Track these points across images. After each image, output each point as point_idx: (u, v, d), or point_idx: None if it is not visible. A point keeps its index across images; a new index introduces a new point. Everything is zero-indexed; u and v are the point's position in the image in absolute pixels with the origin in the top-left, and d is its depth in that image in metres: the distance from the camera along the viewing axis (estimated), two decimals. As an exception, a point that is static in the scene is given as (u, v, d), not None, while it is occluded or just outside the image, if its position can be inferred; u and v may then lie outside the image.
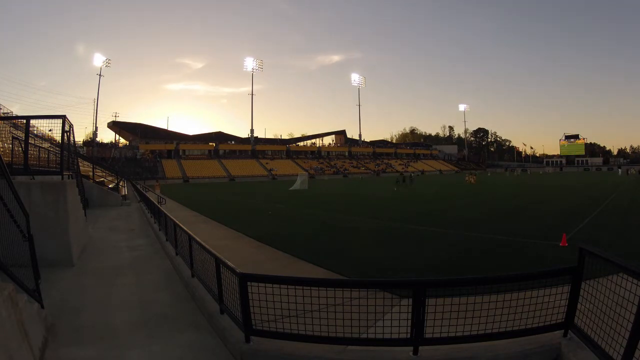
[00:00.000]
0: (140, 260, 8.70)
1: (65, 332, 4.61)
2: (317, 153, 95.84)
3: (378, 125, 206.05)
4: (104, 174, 29.89)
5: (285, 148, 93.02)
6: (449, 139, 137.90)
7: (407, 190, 33.15)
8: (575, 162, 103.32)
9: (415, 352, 3.57)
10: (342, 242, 10.66)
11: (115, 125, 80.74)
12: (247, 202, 25.64)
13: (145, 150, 76.18)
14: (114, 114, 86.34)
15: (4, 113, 32.16)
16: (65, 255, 7.87)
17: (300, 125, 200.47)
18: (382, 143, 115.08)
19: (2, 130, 8.35)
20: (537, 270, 4.92)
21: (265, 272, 4.61)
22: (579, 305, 3.57)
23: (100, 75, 77.06)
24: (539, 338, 3.68)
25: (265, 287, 3.72)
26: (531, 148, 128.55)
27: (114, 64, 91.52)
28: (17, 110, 65.38)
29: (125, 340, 4.43)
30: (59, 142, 8.81)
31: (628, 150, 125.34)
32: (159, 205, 12.79)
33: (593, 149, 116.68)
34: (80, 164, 17.89)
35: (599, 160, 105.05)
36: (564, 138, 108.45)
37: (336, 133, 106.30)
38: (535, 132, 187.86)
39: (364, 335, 3.67)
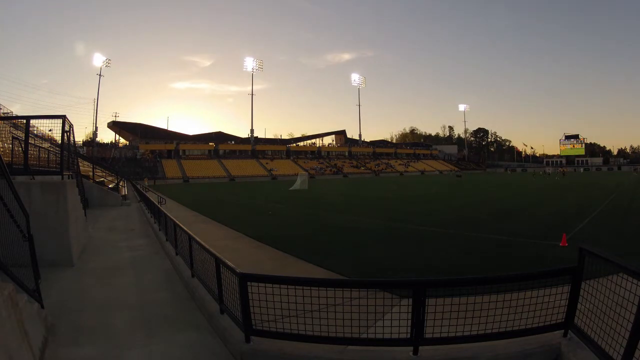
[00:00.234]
0: (140, 260, 8.70)
1: (65, 332, 4.62)
2: (317, 153, 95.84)
3: (378, 125, 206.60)
4: (104, 174, 29.90)
5: (285, 148, 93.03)
6: (449, 139, 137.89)
7: (408, 190, 33.13)
8: (575, 162, 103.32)
9: (415, 352, 3.57)
10: (342, 242, 10.66)
11: (115, 125, 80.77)
12: (247, 202, 25.64)
13: (145, 150, 76.19)
14: (114, 114, 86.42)
15: (4, 113, 32.16)
16: (65, 255, 7.87)
17: (300, 125, 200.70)
18: (382, 143, 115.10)
19: (2, 130, 8.34)
20: (537, 270, 4.91)
21: (265, 272, 4.60)
22: (579, 305, 3.57)
23: (100, 75, 77.17)
24: (539, 338, 3.69)
25: (265, 287, 3.72)
26: (531, 148, 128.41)
27: (114, 64, 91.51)
28: (17, 110, 65.44)
29: (125, 340, 4.43)
30: (59, 142, 8.81)
31: (628, 150, 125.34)
32: (159, 205, 12.79)
33: (593, 149, 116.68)
34: (80, 164, 17.90)
35: (599, 160, 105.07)
36: (564, 138, 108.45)
37: (336, 133, 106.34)
38: (535, 132, 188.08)
39: (364, 335, 3.67)
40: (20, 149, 7.88)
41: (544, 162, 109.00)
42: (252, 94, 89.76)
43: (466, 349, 3.60)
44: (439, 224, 13.26)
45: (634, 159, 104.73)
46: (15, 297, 3.56)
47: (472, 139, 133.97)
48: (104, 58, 78.40)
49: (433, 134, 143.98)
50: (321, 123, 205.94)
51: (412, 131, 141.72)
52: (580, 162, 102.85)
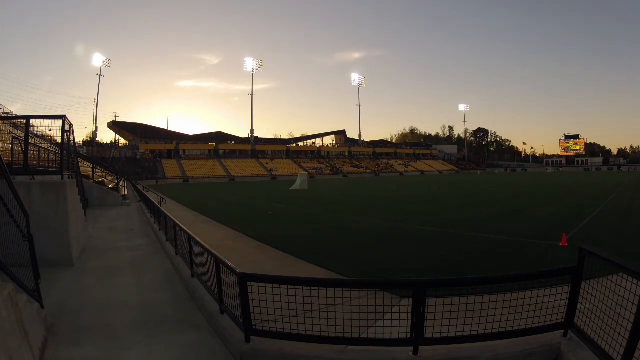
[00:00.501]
0: (140, 260, 8.70)
1: (65, 332, 4.61)
2: (317, 153, 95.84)
3: (378, 125, 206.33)
4: (104, 174, 29.89)
5: (285, 148, 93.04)
6: (449, 139, 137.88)
7: (407, 190, 33.14)
8: (575, 162, 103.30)
9: (415, 352, 3.57)
10: (342, 242, 10.66)
11: (115, 125, 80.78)
12: (247, 202, 25.64)
13: (145, 150, 76.19)
14: (114, 114, 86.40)
15: (4, 113, 32.15)
16: (65, 255, 7.87)
17: (300, 125, 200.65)
18: (382, 143, 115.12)
19: (2, 130, 8.34)
20: (537, 270, 4.92)
21: (265, 272, 4.60)
22: (579, 305, 3.57)
23: (100, 75, 77.18)
24: (539, 338, 3.69)
25: (265, 287, 3.72)
26: (531, 148, 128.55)
27: (114, 64, 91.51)
28: (17, 110, 65.44)
29: (125, 340, 4.43)
30: (59, 142, 8.81)
31: (628, 150, 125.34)
32: (159, 205, 12.79)
33: (593, 149, 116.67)
34: (80, 164, 17.89)
35: (599, 160, 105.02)
36: (564, 138, 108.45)
37: (336, 133, 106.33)
38: (535, 132, 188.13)
39: (364, 335, 3.67)
40: (20, 149, 7.87)
41: (544, 162, 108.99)
42: (252, 94, 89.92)
43: (466, 349, 3.60)
44: (438, 224, 13.26)
45: (634, 159, 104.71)
46: (15, 297, 3.56)
47: (472, 139, 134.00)
48: (104, 58, 78.52)
49: (433, 134, 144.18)
50: (321, 123, 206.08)
51: (412, 131, 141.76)
52: (580, 162, 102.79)
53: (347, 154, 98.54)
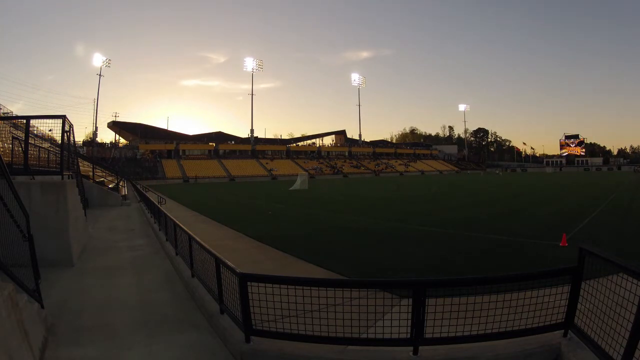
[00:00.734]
0: (140, 260, 8.70)
1: (65, 332, 4.62)
2: (317, 153, 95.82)
3: (378, 125, 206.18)
4: (104, 174, 29.88)
5: (285, 148, 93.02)
6: (449, 139, 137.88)
7: (407, 190, 33.15)
8: (575, 162, 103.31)
9: (415, 352, 3.57)
10: (342, 242, 10.66)
11: (115, 125, 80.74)
12: (247, 202, 25.64)
13: (145, 150, 76.17)
14: (114, 114, 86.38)
15: (4, 113, 32.16)
16: (65, 255, 7.87)
17: (300, 125, 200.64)
18: (382, 143, 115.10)
19: (2, 130, 8.35)
20: (537, 270, 4.91)
21: (265, 272, 4.61)
22: (579, 305, 3.57)
23: (100, 75, 77.18)
24: (539, 338, 3.69)
25: (265, 287, 3.72)
26: (531, 148, 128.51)
27: (114, 63, 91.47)
28: (17, 110, 65.44)
29: (125, 340, 4.43)
30: (59, 142, 8.81)
31: (628, 150, 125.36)
32: (159, 205, 12.79)
33: (593, 149, 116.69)
34: (80, 164, 17.89)
35: (599, 160, 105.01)
36: (564, 138, 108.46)
37: (336, 133, 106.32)
38: (535, 132, 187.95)
39: (364, 335, 3.67)
40: (20, 149, 7.88)
41: (544, 162, 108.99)
42: (252, 94, 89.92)
43: (466, 349, 3.60)
44: (438, 224, 13.26)
45: (634, 159, 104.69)
46: (15, 297, 3.55)
47: (472, 139, 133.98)
48: (104, 58, 78.48)
49: (433, 134, 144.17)
50: (321, 123, 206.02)
51: (412, 131, 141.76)
52: (580, 162, 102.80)
53: (347, 154, 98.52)
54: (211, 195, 33.01)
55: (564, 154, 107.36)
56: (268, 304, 3.65)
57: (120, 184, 27.28)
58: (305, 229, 13.02)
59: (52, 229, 7.57)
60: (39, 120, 8.72)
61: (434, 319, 3.48)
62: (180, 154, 79.11)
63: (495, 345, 3.60)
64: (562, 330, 3.73)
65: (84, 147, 68.86)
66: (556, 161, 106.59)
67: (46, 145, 9.40)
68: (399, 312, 3.56)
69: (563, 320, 3.68)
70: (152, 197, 19.13)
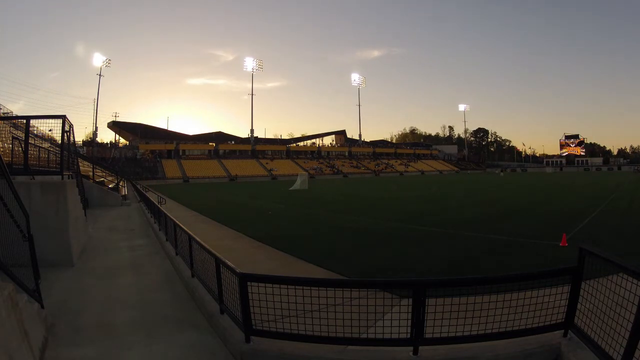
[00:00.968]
0: (140, 260, 8.70)
1: (65, 332, 4.62)
2: (317, 153, 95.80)
3: (378, 125, 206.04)
4: (104, 174, 29.87)
5: (285, 148, 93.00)
6: (449, 139, 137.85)
7: (407, 190, 33.18)
8: (575, 162, 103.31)
9: (415, 352, 3.57)
10: (342, 242, 10.66)
11: (115, 125, 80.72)
12: (247, 202, 25.64)
13: (145, 150, 76.16)
14: (114, 114, 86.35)
15: (4, 113, 32.15)
16: (65, 255, 7.86)
17: (300, 125, 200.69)
18: (382, 143, 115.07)
19: (2, 130, 8.35)
20: (537, 270, 4.92)
21: (265, 272, 4.60)
22: (579, 305, 3.57)
23: (100, 75, 77.18)
24: (539, 338, 3.69)
25: (265, 287, 3.72)
26: (531, 148, 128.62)
27: (114, 63, 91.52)
28: (17, 110, 65.45)
29: (125, 340, 4.43)
30: (59, 142, 8.81)
31: (628, 150, 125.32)
32: (159, 206, 12.79)
33: (593, 149, 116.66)
34: (80, 164, 17.89)
35: (599, 160, 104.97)
36: (564, 138, 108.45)
37: (336, 133, 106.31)
38: (535, 132, 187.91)
39: (364, 335, 3.67)
40: (20, 149, 7.87)
41: (544, 162, 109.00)
42: (252, 94, 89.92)
43: (466, 349, 3.60)
44: (438, 223, 13.27)
45: (634, 159, 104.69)
46: (15, 297, 3.55)
47: (472, 139, 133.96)
48: (104, 58, 78.49)
49: (433, 134, 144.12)
50: (321, 123, 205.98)
51: (412, 131, 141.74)
52: (580, 162, 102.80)
53: (347, 154, 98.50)
54: (211, 195, 33.00)
55: (564, 154, 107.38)
56: (268, 304, 3.65)
57: (120, 184, 27.27)
58: (305, 229, 13.02)
59: (52, 229, 7.57)
60: (39, 120, 8.71)
61: (434, 319, 3.48)
62: (180, 154, 79.09)
63: (495, 345, 3.60)
64: (562, 330, 3.73)
65: (84, 147, 68.84)
66: (556, 161, 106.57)
67: (46, 145, 9.40)
68: (399, 312, 3.56)
69: (563, 320, 3.68)
70: (152, 197, 19.13)
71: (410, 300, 3.52)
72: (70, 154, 10.01)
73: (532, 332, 3.63)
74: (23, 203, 4.82)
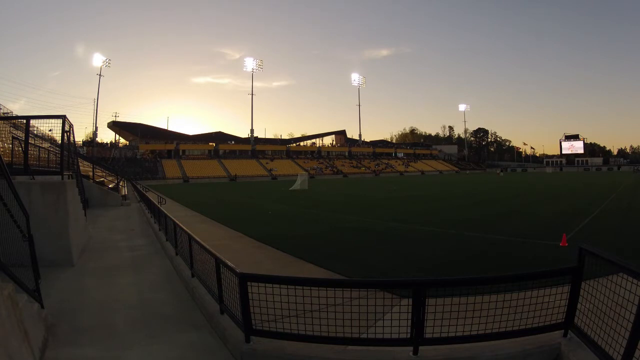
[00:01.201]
0: (140, 260, 8.70)
1: (65, 332, 4.61)
2: (317, 153, 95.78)
3: (378, 125, 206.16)
4: (104, 174, 29.85)
5: (285, 148, 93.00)
6: (449, 139, 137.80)
7: (408, 190, 33.19)
8: (575, 162, 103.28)
9: (415, 352, 3.57)
10: (342, 242, 10.66)
11: (115, 125, 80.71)
12: (247, 202, 25.64)
13: (145, 150, 76.15)
14: (114, 114, 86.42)
15: (4, 113, 32.12)
16: (65, 255, 7.86)
17: (300, 125, 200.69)
18: (382, 143, 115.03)
19: (2, 130, 8.34)
20: (537, 270, 4.92)
21: (265, 272, 4.60)
22: (579, 305, 3.57)
23: (100, 75, 77.19)
24: (539, 338, 3.69)
25: (265, 287, 3.72)
26: (532, 148, 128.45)
27: (114, 63, 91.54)
28: (17, 110, 65.48)
29: (125, 340, 4.43)
30: (59, 142, 8.81)
31: (628, 150, 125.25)
32: (158, 206, 12.79)
33: (593, 149, 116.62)
34: (80, 164, 17.88)
35: (599, 160, 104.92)
36: (564, 138, 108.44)
37: (336, 133, 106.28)
38: (535, 132, 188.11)
39: (364, 335, 3.67)
40: (20, 149, 7.87)
41: (544, 162, 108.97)
42: (252, 94, 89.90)
43: (466, 349, 3.60)
44: (439, 224, 13.27)
45: (634, 159, 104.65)
46: (15, 297, 3.55)
47: (472, 139, 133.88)
48: (104, 58, 78.47)
49: (433, 134, 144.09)
50: (321, 123, 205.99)
51: (412, 131, 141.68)
52: (580, 162, 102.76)
53: (347, 154, 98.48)
54: (211, 195, 33.00)
55: (564, 154, 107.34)
56: (268, 304, 3.65)
57: (120, 184, 27.26)
58: (305, 229, 13.02)
59: (52, 229, 7.56)
60: (39, 120, 8.71)
61: (434, 319, 3.48)
62: (180, 154, 79.09)
63: (495, 345, 3.60)
64: (562, 330, 3.73)
65: (84, 147, 68.83)
66: (556, 161, 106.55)
67: (46, 145, 9.39)
68: (399, 312, 3.56)
69: (563, 320, 3.68)
70: (152, 197, 19.12)
71: (410, 300, 3.52)
72: (70, 154, 10.00)
73: (532, 332, 3.63)
74: (23, 203, 4.82)
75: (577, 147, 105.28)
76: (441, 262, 8.22)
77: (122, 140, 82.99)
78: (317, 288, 3.66)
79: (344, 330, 3.56)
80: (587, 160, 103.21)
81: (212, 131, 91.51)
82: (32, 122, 8.25)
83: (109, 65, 79.14)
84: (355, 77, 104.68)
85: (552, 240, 9.77)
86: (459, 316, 3.48)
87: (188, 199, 28.20)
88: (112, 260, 8.61)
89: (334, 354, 3.68)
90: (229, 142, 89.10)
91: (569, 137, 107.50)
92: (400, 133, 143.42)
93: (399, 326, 3.50)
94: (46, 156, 9.13)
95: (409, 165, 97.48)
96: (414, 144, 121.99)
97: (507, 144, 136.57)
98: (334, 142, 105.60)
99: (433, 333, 3.52)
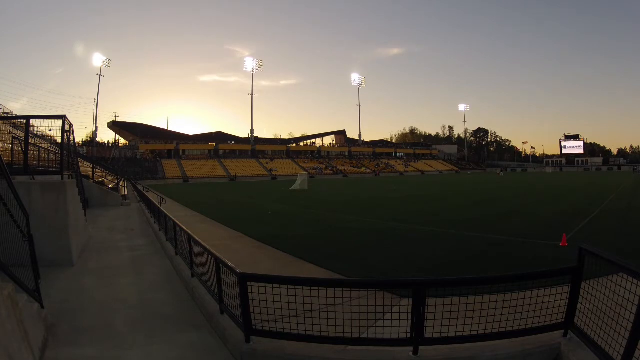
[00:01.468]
0: (140, 260, 8.70)
1: (65, 332, 4.61)
2: (317, 153, 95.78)
3: (378, 125, 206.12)
4: (104, 174, 29.84)
5: (285, 148, 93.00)
6: (449, 139, 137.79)
7: (408, 190, 33.19)
8: (575, 162, 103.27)
9: (415, 352, 3.57)
10: (342, 242, 10.66)
11: (115, 125, 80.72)
12: (247, 202, 25.64)
13: (145, 150, 76.15)
14: (114, 114, 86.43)
15: (4, 113, 32.11)
16: (65, 255, 7.86)
17: (300, 125, 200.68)
18: (382, 143, 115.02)
19: (2, 130, 8.34)
20: (537, 270, 4.93)
21: (265, 272, 4.60)
22: (579, 305, 3.57)
23: (100, 75, 77.20)
24: (539, 338, 3.69)
25: (265, 287, 3.72)
26: (532, 148, 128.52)
27: (114, 63, 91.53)
28: (17, 110, 65.48)
29: (125, 340, 4.43)
30: (59, 142, 8.81)
31: (628, 150, 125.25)
32: (158, 206, 12.79)
33: (593, 149, 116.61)
34: (80, 164, 17.87)
35: (599, 160, 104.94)
36: (564, 138, 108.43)
37: (336, 133, 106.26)
38: (535, 132, 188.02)
39: (364, 335, 3.67)
40: (20, 149, 7.87)
41: (544, 162, 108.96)
42: (252, 94, 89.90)
43: (466, 349, 3.60)
44: (439, 223, 13.27)
45: (634, 159, 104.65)
46: (15, 297, 3.55)
47: (472, 139, 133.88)
48: (104, 58, 78.49)
49: (433, 134, 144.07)
50: (321, 123, 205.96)
51: (412, 131, 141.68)
52: (580, 162, 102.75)
53: (347, 154, 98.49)
54: (211, 195, 33.00)
55: (564, 154, 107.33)
56: (268, 304, 3.65)
57: (120, 184, 27.25)
58: (305, 229, 13.02)
59: (52, 229, 7.56)
60: (39, 120, 8.71)
61: (434, 319, 3.48)
62: (180, 154, 79.09)
63: (495, 345, 3.60)
64: (562, 330, 3.73)
65: (84, 147, 68.82)
66: (556, 161, 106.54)
67: (46, 145, 9.39)
68: (399, 312, 3.56)
69: (563, 320, 3.68)
70: (152, 197, 19.12)
71: (410, 300, 3.52)
72: (70, 154, 10.00)
73: (532, 332, 3.63)
74: (23, 203, 4.82)
75: (577, 147, 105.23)
76: (441, 262, 8.22)
77: (122, 140, 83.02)
78: (317, 288, 3.66)
79: (344, 330, 3.56)
80: (587, 160, 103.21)
81: (212, 131, 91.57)
82: (32, 122, 8.25)
83: (109, 65, 79.26)
84: (355, 77, 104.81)
85: (552, 240, 9.77)
86: (459, 316, 3.48)
87: (188, 199, 28.19)
88: (112, 260, 8.61)
89: (334, 354, 3.68)
90: (229, 142, 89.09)
91: (569, 137, 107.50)
92: (400, 133, 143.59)
93: (399, 326, 3.50)
94: (46, 156, 9.13)
95: (409, 165, 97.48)
96: (414, 144, 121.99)
97: (507, 144, 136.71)
98: (334, 142, 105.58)
99: (433, 333, 3.52)
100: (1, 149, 7.92)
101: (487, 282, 3.74)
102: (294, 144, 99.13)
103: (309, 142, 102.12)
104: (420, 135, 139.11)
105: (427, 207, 19.43)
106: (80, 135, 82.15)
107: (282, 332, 3.75)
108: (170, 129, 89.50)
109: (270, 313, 3.65)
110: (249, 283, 3.82)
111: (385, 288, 4.77)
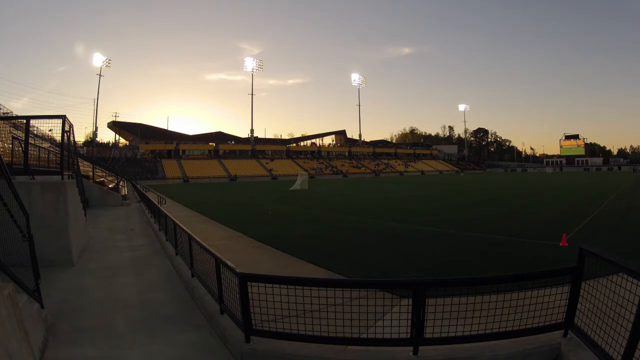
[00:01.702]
0: (140, 260, 8.70)
1: (65, 332, 4.61)
2: (317, 153, 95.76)
3: (378, 125, 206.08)
4: (104, 174, 29.83)
5: (285, 148, 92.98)
6: (449, 139, 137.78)
7: (408, 190, 33.20)
8: (575, 162, 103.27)
9: (415, 352, 3.57)
10: (342, 242, 10.66)
11: (115, 125, 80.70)
12: (247, 202, 25.64)
13: (145, 150, 76.14)
14: (114, 114, 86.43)
15: (4, 113, 32.11)
16: (65, 255, 7.86)
17: (300, 125, 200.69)
18: (382, 143, 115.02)
19: (2, 130, 8.34)
20: (537, 270, 4.92)
21: (265, 272, 4.60)
22: (579, 305, 3.57)
23: (100, 75, 77.20)
24: (539, 338, 3.69)
25: (265, 287, 3.72)
26: (531, 148, 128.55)
27: (114, 63, 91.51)
28: (17, 110, 65.50)
29: (125, 340, 4.43)
30: (59, 142, 8.81)
31: (628, 150, 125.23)
32: (158, 205, 12.79)
33: (593, 149, 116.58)
34: (80, 164, 17.87)
35: (599, 160, 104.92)
36: (564, 138, 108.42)
37: (336, 133, 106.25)
38: (535, 132, 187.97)
39: (364, 335, 3.67)
40: (20, 149, 7.87)
41: (544, 162, 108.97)
42: (252, 94, 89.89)
43: (466, 349, 3.60)
44: (439, 224, 13.27)
45: (634, 159, 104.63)
46: (15, 297, 3.55)
47: (472, 139, 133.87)
48: (104, 58, 78.48)
49: (433, 134, 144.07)
50: (321, 123, 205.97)
51: (412, 131, 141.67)
52: (580, 162, 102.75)
53: (347, 154, 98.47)
54: (211, 195, 33.00)
55: (564, 154, 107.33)
56: (268, 304, 3.65)
57: (120, 184, 27.24)
58: (305, 229, 13.02)
59: (52, 229, 7.56)
60: (39, 120, 8.71)
61: (434, 319, 3.48)
62: (180, 154, 79.08)
63: (495, 345, 3.60)
64: (562, 330, 3.73)
65: (84, 147, 68.82)
66: (556, 161, 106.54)
67: (46, 145, 9.39)
68: (399, 312, 3.56)
69: (563, 320, 3.68)
70: (152, 197, 19.12)
71: (410, 300, 3.52)
72: (70, 154, 10.00)
73: (532, 332, 3.63)
74: (23, 203, 4.82)
75: (577, 147, 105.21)
76: (441, 262, 8.22)
77: (122, 140, 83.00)
78: (317, 288, 3.66)
79: (344, 330, 3.56)
80: (587, 160, 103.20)
81: (212, 131, 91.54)
82: (32, 122, 8.24)
83: (109, 65, 79.23)
84: (355, 77, 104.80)
85: (552, 240, 9.77)
86: (459, 316, 3.48)
87: (188, 199, 28.19)
88: (112, 260, 8.61)
89: (334, 354, 3.68)
90: (229, 142, 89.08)
91: (569, 137, 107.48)
92: (400, 133, 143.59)
93: (399, 326, 3.50)
94: (46, 156, 9.13)
95: (409, 165, 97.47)
96: (414, 144, 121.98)
97: (507, 144, 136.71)
98: (334, 142, 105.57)
99: (433, 333, 3.52)
100: (1, 149, 7.92)
101: (487, 282, 3.74)
102: (294, 144, 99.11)
103: (309, 142, 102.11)
104: (420, 135, 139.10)
105: (427, 207, 19.43)
106: (80, 135, 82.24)
107: (282, 332, 3.75)
108: (170, 129, 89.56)
109: (270, 313, 3.65)
110: (249, 283, 3.82)
111: (385, 288, 4.77)
